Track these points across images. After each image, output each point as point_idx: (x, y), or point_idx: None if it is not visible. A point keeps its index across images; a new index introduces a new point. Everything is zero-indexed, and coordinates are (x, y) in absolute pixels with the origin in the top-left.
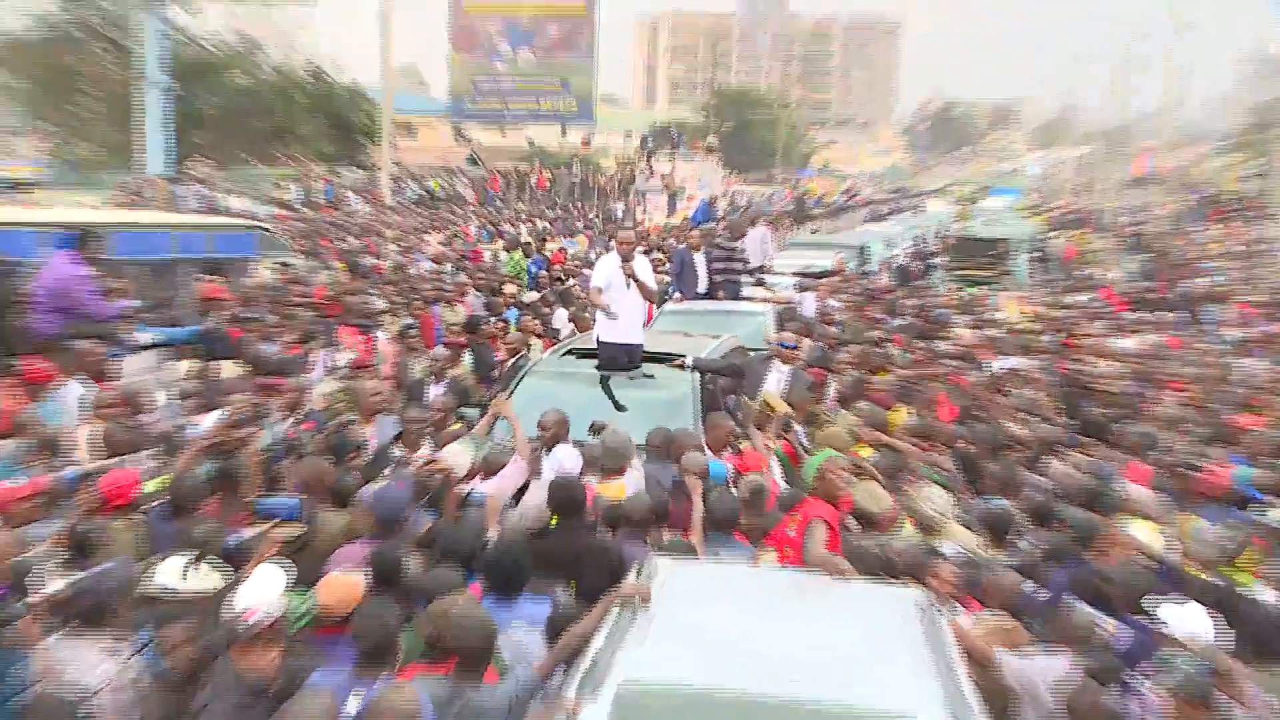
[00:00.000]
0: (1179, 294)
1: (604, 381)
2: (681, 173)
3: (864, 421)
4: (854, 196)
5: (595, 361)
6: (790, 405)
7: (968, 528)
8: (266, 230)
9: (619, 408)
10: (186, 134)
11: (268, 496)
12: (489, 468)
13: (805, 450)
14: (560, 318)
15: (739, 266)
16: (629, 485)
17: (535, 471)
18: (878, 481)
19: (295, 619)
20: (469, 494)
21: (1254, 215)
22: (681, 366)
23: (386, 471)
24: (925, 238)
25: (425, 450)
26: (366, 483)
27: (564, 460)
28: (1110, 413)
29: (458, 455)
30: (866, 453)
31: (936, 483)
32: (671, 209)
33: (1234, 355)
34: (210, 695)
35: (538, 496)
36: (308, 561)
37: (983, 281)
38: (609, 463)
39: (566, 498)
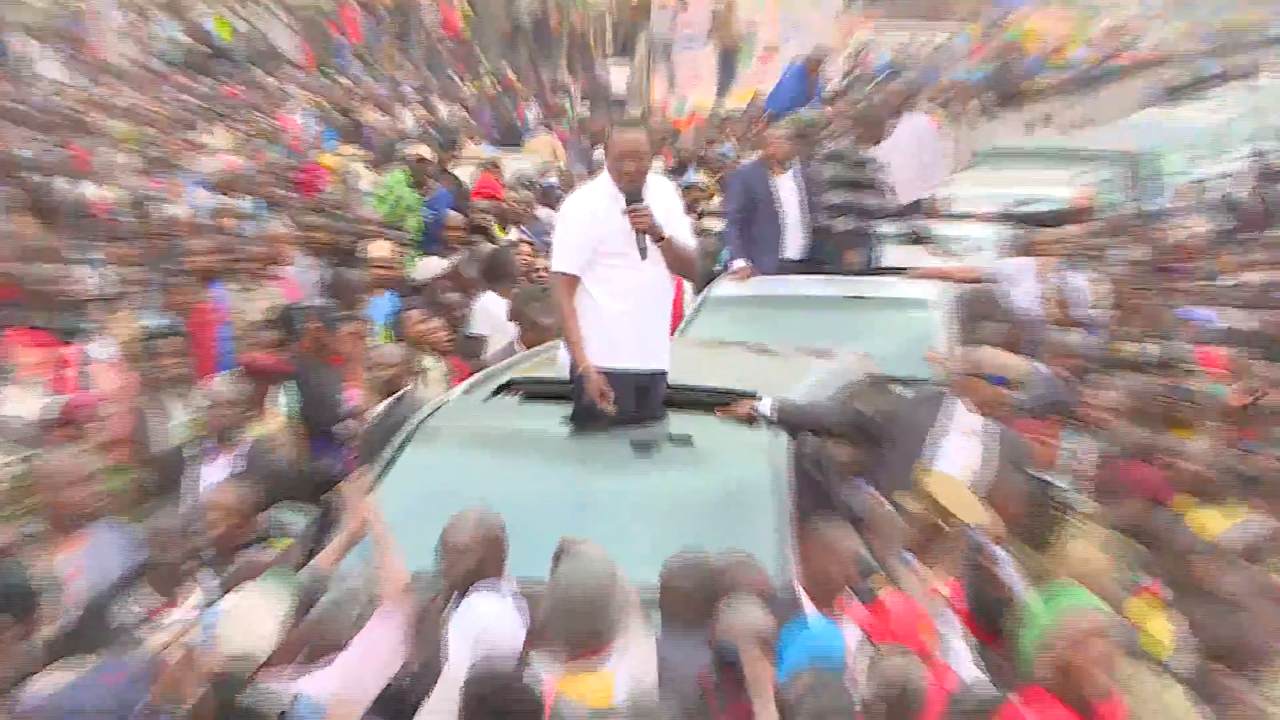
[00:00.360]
0: None
1: (579, 447)
2: (748, 3)
3: (1142, 535)
4: (1118, 53)
5: (563, 411)
6: (991, 505)
7: None
8: None
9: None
10: None
11: None
12: (326, 642)
13: (1022, 598)
14: (488, 310)
15: (874, 203)
16: (621, 677)
17: (428, 649)
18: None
19: None
20: (291, 704)
21: None
22: (750, 417)
23: (103, 651)
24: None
25: (193, 601)
26: (51, 665)
27: (490, 624)
28: None
29: (253, 617)
30: (1156, 623)
31: None
32: (727, 80)
33: None
34: None
35: (442, 700)
36: None
37: None
38: (578, 629)
39: (496, 707)
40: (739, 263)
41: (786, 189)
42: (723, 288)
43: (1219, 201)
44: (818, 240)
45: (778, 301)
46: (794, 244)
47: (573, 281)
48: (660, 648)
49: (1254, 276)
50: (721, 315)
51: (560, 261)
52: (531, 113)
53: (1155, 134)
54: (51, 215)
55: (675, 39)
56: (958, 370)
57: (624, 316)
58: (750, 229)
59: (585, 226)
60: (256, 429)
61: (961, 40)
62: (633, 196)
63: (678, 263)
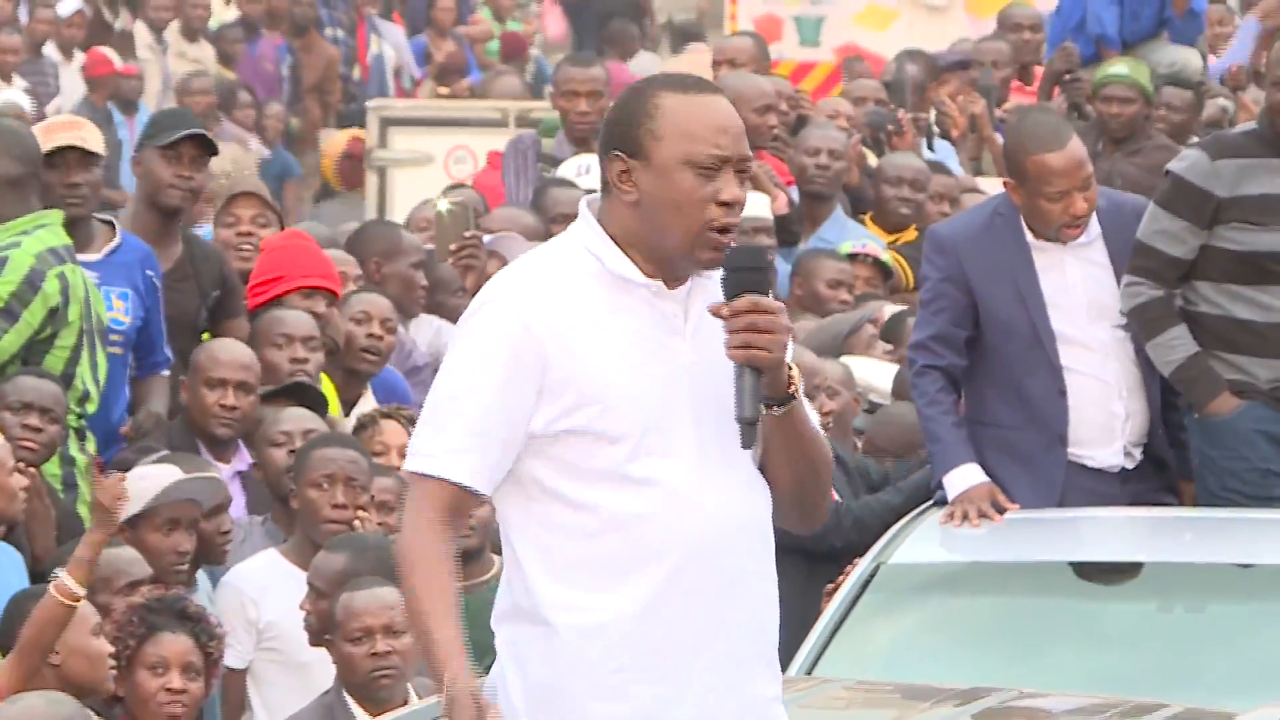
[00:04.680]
0: None
1: None
2: None
3: None
4: None
5: None
6: None
7: None
8: None
9: None
10: None
11: None
12: None
13: None
14: None
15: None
16: None
17: None
18: None
19: None
20: None
21: None
22: None
23: None
24: None
25: None
26: None
27: None
28: None
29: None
30: None
31: None
32: None
33: None
34: None
35: None
36: None
37: None
38: None
39: None
40: (961, 477)
41: (1075, 271)
42: (920, 543)
43: None
44: (1169, 414)
45: (1058, 575)
46: (1101, 422)
47: (455, 502)
48: None
49: None
50: (912, 613)
51: (436, 448)
52: None
53: None
54: None
55: None
56: None
57: (630, 630)
58: (979, 370)
59: (528, 352)
60: None
61: None
62: (741, 267)
63: (800, 467)
